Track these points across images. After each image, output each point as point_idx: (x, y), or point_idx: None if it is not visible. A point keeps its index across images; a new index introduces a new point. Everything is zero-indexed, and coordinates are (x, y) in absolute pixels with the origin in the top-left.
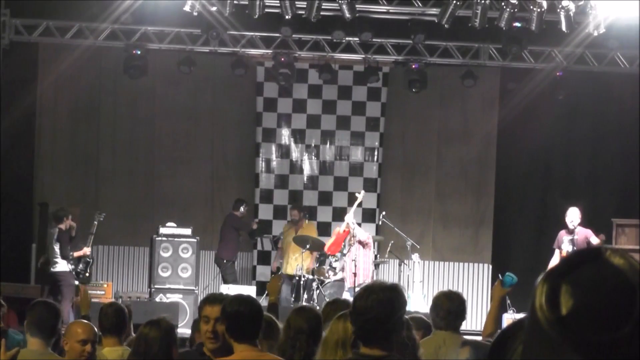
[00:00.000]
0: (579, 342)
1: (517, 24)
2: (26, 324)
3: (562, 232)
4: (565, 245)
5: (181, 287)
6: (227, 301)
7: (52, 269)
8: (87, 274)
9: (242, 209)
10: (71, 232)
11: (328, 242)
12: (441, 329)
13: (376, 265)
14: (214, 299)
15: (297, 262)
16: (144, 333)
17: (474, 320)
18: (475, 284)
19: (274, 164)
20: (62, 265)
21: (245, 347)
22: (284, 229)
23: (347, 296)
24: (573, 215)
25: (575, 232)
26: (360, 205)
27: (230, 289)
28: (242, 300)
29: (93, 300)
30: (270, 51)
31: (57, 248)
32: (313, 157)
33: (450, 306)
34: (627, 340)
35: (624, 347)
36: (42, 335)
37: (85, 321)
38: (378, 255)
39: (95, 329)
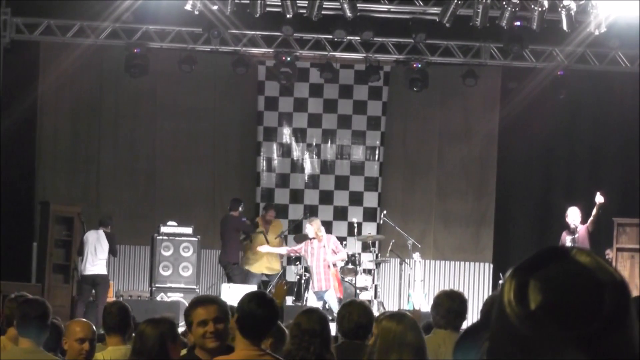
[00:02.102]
0: (548, 337)
1: (518, 23)
2: (16, 323)
3: (564, 233)
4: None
5: (182, 286)
6: (246, 298)
7: (88, 272)
8: None
9: (240, 209)
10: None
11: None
12: (441, 328)
13: (377, 265)
14: (208, 299)
15: (268, 263)
16: (140, 330)
17: (475, 319)
18: (476, 283)
19: (275, 162)
20: (102, 268)
21: (247, 344)
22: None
23: (314, 300)
24: (573, 215)
25: (577, 231)
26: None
27: (232, 288)
28: (261, 301)
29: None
30: (272, 50)
31: (105, 249)
32: (314, 156)
33: (450, 305)
34: (596, 336)
35: (593, 342)
36: (32, 334)
37: (84, 320)
38: (379, 255)
39: (94, 328)
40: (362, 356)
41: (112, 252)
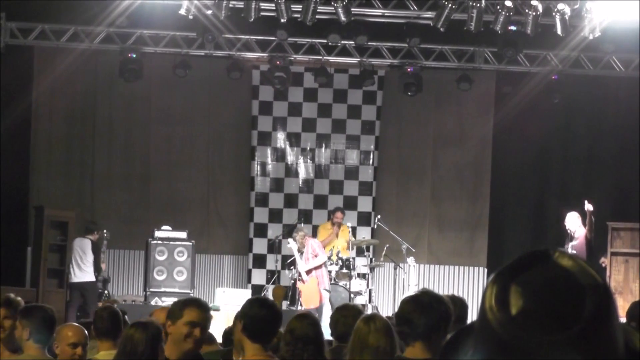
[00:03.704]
0: (529, 341)
1: (513, 28)
2: (29, 329)
3: (567, 240)
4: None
5: (176, 290)
6: (248, 302)
7: (77, 279)
8: (106, 292)
9: None
10: (100, 244)
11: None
12: None
13: (371, 269)
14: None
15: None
16: (130, 334)
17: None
18: (470, 288)
19: (269, 167)
20: (90, 275)
21: (258, 349)
22: (325, 231)
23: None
24: (571, 221)
25: (574, 237)
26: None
27: (226, 292)
28: (265, 304)
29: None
30: (266, 54)
31: (89, 258)
32: (308, 160)
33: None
34: (576, 340)
35: (573, 346)
36: (41, 340)
37: (76, 324)
38: (373, 259)
39: (86, 332)
40: None
41: (96, 267)
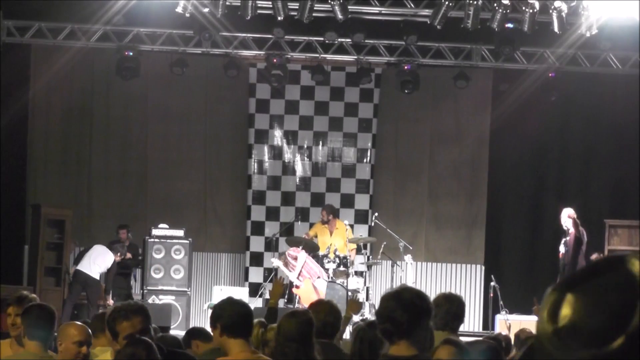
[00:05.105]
0: (569, 356)
1: (510, 25)
2: (24, 328)
3: (562, 236)
4: (561, 248)
5: (174, 288)
6: (219, 306)
7: (84, 269)
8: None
9: (120, 232)
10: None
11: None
12: (439, 329)
13: (369, 267)
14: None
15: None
16: (129, 352)
17: (466, 322)
18: (468, 285)
19: (266, 165)
20: (96, 274)
21: (241, 344)
22: (316, 230)
23: None
24: (563, 217)
25: (568, 233)
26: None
27: (224, 290)
28: (234, 300)
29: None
30: (263, 52)
31: (104, 265)
32: (305, 158)
33: (449, 307)
34: (616, 356)
35: None
36: (41, 338)
37: (80, 323)
38: (371, 257)
39: (90, 331)
40: (329, 355)
41: (107, 286)
